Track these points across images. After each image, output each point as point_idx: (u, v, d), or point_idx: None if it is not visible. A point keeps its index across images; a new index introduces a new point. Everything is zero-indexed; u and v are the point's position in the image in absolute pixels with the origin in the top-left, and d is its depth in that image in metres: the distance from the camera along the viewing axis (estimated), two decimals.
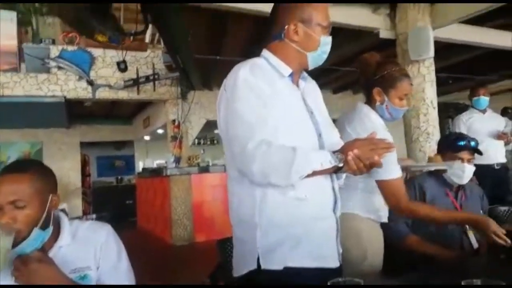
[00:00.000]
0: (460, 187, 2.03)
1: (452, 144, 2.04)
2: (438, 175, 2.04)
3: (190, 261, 4.88)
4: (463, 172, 1.95)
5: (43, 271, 1.11)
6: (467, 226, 1.89)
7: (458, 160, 1.96)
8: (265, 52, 1.32)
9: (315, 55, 1.29)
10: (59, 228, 1.25)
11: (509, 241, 1.44)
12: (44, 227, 1.17)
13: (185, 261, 4.93)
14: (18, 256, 1.10)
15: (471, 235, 1.86)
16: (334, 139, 1.33)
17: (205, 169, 6.32)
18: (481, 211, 2.05)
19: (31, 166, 1.22)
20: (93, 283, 1.24)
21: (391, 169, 1.57)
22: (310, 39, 1.27)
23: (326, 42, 1.29)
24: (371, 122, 1.69)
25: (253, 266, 1.17)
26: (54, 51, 6.03)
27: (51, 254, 1.19)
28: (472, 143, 1.99)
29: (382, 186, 1.62)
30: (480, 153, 2.01)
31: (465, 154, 1.96)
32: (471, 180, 3.62)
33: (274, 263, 1.16)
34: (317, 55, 1.29)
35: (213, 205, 5.94)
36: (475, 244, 1.84)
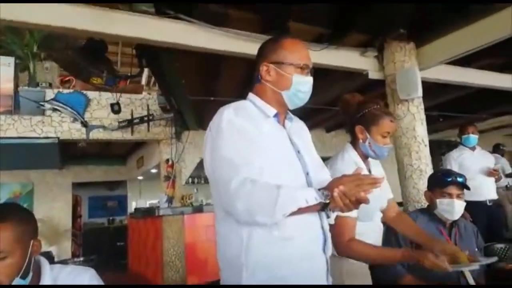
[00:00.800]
0: (454, 224, 2.04)
1: (440, 181, 2.07)
2: (430, 212, 2.04)
3: None
4: (452, 207, 1.97)
5: None
6: None
7: (447, 196, 1.98)
8: (250, 95, 1.38)
9: (289, 93, 1.32)
10: (39, 273, 1.21)
11: (449, 267, 1.40)
12: (24, 275, 1.14)
13: None
14: None
15: (468, 274, 1.83)
16: (323, 178, 1.32)
17: (198, 209, 6.23)
18: (476, 249, 2.04)
19: (10, 213, 1.17)
20: None
21: None
22: (283, 78, 1.31)
23: (300, 81, 1.32)
24: (342, 160, 1.74)
25: None
26: (50, 94, 6.12)
27: None
28: (460, 179, 2.01)
29: (336, 221, 1.61)
30: (467, 188, 2.02)
31: (453, 190, 1.99)
32: (464, 217, 3.62)
33: None
34: (292, 94, 1.32)
35: (206, 245, 5.81)
36: (472, 282, 1.82)
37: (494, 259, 1.31)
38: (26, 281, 1.14)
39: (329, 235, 1.28)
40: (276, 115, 1.34)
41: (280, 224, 1.14)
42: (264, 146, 1.21)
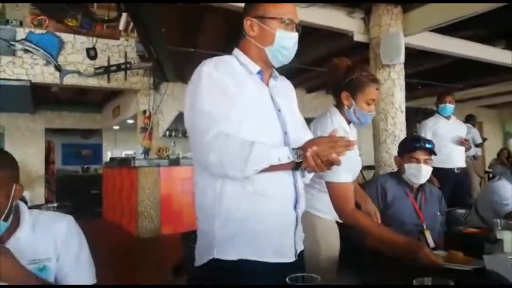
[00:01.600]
0: (420, 188, 2.11)
1: (408, 146, 2.12)
2: (399, 176, 2.12)
3: (156, 253, 4.83)
4: (419, 172, 2.02)
5: (1, 263, 1.07)
6: (424, 226, 1.97)
7: (414, 161, 2.03)
8: (235, 51, 1.35)
9: (273, 49, 1.29)
10: (18, 217, 1.22)
11: (442, 262, 1.45)
12: (6, 218, 1.15)
13: (150, 254, 4.88)
14: None
15: (428, 234, 1.94)
16: (303, 138, 1.29)
17: (175, 162, 6.24)
18: (438, 213, 2.13)
19: None
20: (53, 274, 1.22)
21: (340, 173, 1.60)
22: (265, 33, 1.28)
23: (283, 36, 1.28)
24: (331, 123, 1.74)
25: (210, 256, 1.19)
26: (21, 33, 5.78)
27: (8, 245, 1.15)
28: (428, 145, 2.06)
29: (331, 188, 1.66)
30: (435, 153, 2.07)
31: (421, 155, 2.03)
32: (432, 182, 3.75)
33: (229, 254, 1.18)
34: (275, 50, 1.29)
35: (182, 198, 5.89)
36: (432, 243, 1.90)
37: (482, 264, 1.34)
38: (7, 224, 1.15)
39: (301, 193, 1.31)
40: (259, 72, 1.32)
41: (253, 179, 1.16)
42: (243, 102, 1.20)
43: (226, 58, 1.30)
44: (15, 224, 1.20)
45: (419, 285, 0.87)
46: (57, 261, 1.23)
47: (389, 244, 1.60)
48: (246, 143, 1.11)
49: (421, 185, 2.11)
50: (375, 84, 1.77)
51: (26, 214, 1.24)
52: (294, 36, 1.30)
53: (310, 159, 1.11)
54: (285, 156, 1.13)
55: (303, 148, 1.14)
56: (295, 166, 1.17)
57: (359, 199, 1.92)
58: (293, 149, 1.15)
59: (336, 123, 1.75)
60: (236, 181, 1.16)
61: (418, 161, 2.03)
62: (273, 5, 1.28)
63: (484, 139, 6.22)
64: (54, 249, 1.23)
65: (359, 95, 1.75)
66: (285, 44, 1.29)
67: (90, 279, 1.29)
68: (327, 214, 1.78)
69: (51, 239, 1.23)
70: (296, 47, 1.33)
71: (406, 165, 2.06)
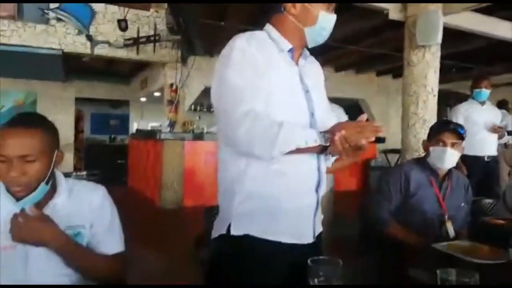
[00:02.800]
0: (447, 176, 2.03)
1: (436, 128, 2.07)
2: (424, 162, 2.05)
3: (178, 224, 4.96)
4: (444, 154, 1.94)
5: (42, 229, 1.13)
6: (446, 217, 1.92)
7: (441, 144, 1.96)
8: (267, 26, 1.31)
9: (313, 30, 1.27)
10: (55, 184, 1.26)
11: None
12: (48, 182, 1.19)
13: (173, 224, 5.01)
14: (15, 214, 1.11)
15: (449, 225, 1.89)
16: (328, 122, 1.29)
17: (199, 136, 6.31)
18: (463, 204, 2.06)
19: (40, 121, 1.23)
20: (85, 240, 1.27)
21: None
22: (308, 13, 1.25)
23: (325, 19, 1.26)
24: None
25: (223, 231, 1.21)
26: (55, 2, 5.85)
27: (47, 210, 1.20)
28: (457, 128, 1.98)
29: None
30: (463, 138, 1.98)
31: (448, 137, 1.95)
32: (459, 169, 3.63)
33: (244, 230, 1.19)
34: (315, 31, 1.27)
35: (205, 172, 5.98)
36: (452, 233, 1.87)
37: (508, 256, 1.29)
38: (47, 187, 1.20)
39: (324, 176, 1.30)
40: (290, 50, 1.28)
41: (279, 160, 1.15)
42: (273, 80, 1.18)
43: (258, 33, 1.27)
44: (52, 191, 1.24)
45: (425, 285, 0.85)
46: (91, 228, 1.27)
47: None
48: (275, 124, 1.10)
49: (448, 173, 2.03)
50: None
51: (62, 181, 1.28)
52: (333, 18, 1.28)
53: (338, 143, 1.10)
54: (313, 139, 1.12)
55: (331, 131, 1.13)
56: (322, 150, 1.17)
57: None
58: (320, 132, 1.14)
59: None
60: (261, 160, 1.16)
61: (444, 143, 1.94)
62: None
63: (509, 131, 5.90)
64: (89, 217, 1.27)
65: None
66: (326, 26, 1.28)
67: (120, 247, 1.33)
68: None
69: (86, 207, 1.28)
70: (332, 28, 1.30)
71: (431, 148, 1.99)
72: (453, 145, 1.95)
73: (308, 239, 1.28)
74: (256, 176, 1.19)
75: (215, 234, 1.27)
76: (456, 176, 2.09)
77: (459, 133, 1.97)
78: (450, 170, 2.04)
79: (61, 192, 1.25)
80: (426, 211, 1.94)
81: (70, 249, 1.18)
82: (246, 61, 1.17)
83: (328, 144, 1.13)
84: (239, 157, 1.19)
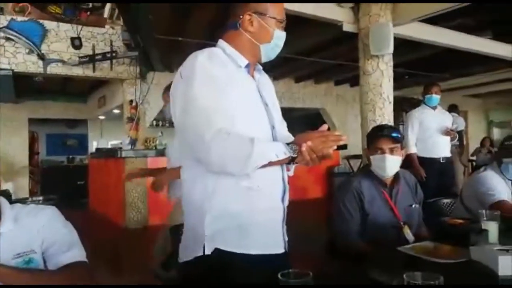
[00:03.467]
0: (394, 181, 2.01)
1: (372, 135, 2.02)
2: (372, 174, 2.01)
3: (144, 244, 4.80)
4: (384, 163, 1.91)
5: None
6: (402, 222, 1.91)
7: (379, 151, 1.93)
8: (221, 42, 1.32)
9: (268, 47, 1.31)
10: None
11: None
12: None
13: (138, 244, 4.85)
14: None
15: (407, 230, 1.87)
16: (285, 133, 1.38)
17: (162, 152, 6.18)
18: (413, 204, 2.06)
19: None
20: (40, 265, 1.21)
21: None
22: (264, 31, 1.29)
23: (279, 36, 1.31)
24: None
25: (199, 253, 1.19)
26: (2, 21, 5.59)
27: None
28: (392, 133, 1.95)
29: None
30: (399, 141, 1.95)
31: (384, 144, 1.92)
32: (418, 171, 3.69)
33: (219, 250, 1.18)
34: (270, 48, 1.32)
35: None
36: (411, 239, 1.85)
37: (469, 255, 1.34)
38: None
39: (287, 186, 1.34)
40: (247, 66, 1.31)
41: (248, 175, 1.17)
42: (236, 96, 1.20)
43: (215, 50, 1.27)
44: None
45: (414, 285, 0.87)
46: (45, 251, 1.22)
47: None
48: (246, 140, 1.12)
49: (395, 180, 2.00)
50: None
51: (7, 209, 1.22)
52: (284, 35, 1.33)
53: (305, 154, 1.13)
54: (282, 152, 1.15)
55: (297, 143, 1.16)
56: (289, 161, 1.19)
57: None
58: (287, 144, 1.17)
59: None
60: (230, 177, 1.17)
61: (382, 151, 1.91)
62: (272, 4, 1.29)
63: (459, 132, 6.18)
64: (38, 240, 1.22)
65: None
66: (279, 43, 1.33)
67: (79, 256, 1.27)
68: None
69: (35, 230, 1.22)
70: None
71: (372, 157, 1.96)
72: (391, 150, 1.92)
73: (280, 249, 1.30)
74: (226, 194, 1.19)
75: (185, 256, 1.24)
76: (403, 178, 2.06)
77: (394, 137, 1.94)
78: (397, 174, 2.01)
79: (6, 220, 1.19)
80: (383, 223, 1.92)
81: (18, 279, 1.10)
82: (210, 81, 1.17)
83: (296, 156, 1.16)
84: (206, 176, 1.19)
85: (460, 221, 1.90)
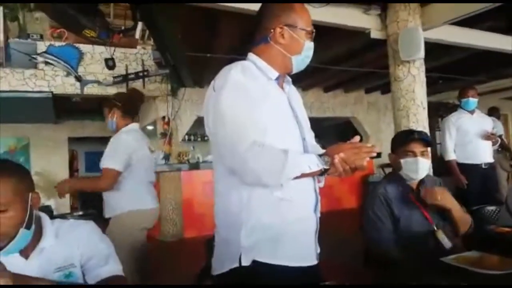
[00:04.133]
0: (420, 185, 1.98)
1: (402, 139, 2.01)
2: (396, 177, 2.00)
3: (180, 257, 4.86)
4: (416, 165, 1.91)
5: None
6: (434, 227, 1.85)
7: (411, 155, 1.92)
8: (251, 56, 1.34)
9: (299, 59, 1.33)
10: (40, 228, 1.25)
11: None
12: (28, 226, 1.17)
13: (174, 258, 4.91)
14: None
15: (441, 235, 1.82)
16: (313, 142, 1.40)
17: (195, 166, 6.28)
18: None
19: (5, 168, 1.20)
20: (80, 278, 1.25)
21: None
22: (295, 43, 1.31)
23: (309, 47, 1.34)
24: None
25: (235, 264, 1.19)
26: (42, 46, 5.92)
27: (34, 254, 1.20)
28: (423, 137, 1.95)
29: None
30: (429, 145, 1.96)
31: (416, 147, 1.92)
32: (459, 179, 3.57)
33: (255, 261, 1.19)
34: (301, 59, 1.34)
35: (204, 201, 5.92)
36: (447, 244, 1.80)
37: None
38: (31, 232, 1.18)
39: (319, 197, 1.34)
40: (277, 78, 1.33)
41: (281, 186, 1.17)
42: (268, 109, 1.21)
43: (247, 63, 1.29)
44: (38, 235, 1.23)
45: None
46: (83, 265, 1.26)
47: None
48: (280, 152, 1.14)
49: (421, 183, 1.97)
50: None
51: (48, 224, 1.27)
52: (313, 46, 1.36)
53: (338, 166, 1.15)
54: (315, 163, 1.17)
55: (329, 154, 1.18)
56: (322, 173, 1.20)
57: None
58: (320, 156, 1.18)
59: None
60: (264, 188, 1.18)
61: (414, 154, 1.91)
62: (300, 16, 1.31)
63: (500, 136, 5.89)
64: (78, 254, 1.26)
65: None
66: (309, 54, 1.35)
67: (116, 271, 1.30)
68: None
69: (75, 245, 1.26)
70: None
71: (402, 160, 1.94)
72: (422, 153, 1.93)
73: (312, 260, 1.30)
74: (261, 205, 1.20)
75: (220, 269, 1.25)
76: (428, 182, 2.03)
77: (425, 140, 1.96)
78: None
79: (47, 235, 1.24)
80: (415, 228, 1.87)
81: (36, 285, 1.12)
82: (243, 94, 1.19)
83: (328, 167, 1.17)
84: (241, 188, 1.20)
85: (508, 229, 1.80)
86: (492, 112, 6.21)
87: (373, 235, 1.91)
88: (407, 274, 1.42)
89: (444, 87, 7.94)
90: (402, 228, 1.88)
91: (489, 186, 3.84)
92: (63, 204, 8.62)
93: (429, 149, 1.97)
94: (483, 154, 3.90)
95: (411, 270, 1.48)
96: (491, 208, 2.60)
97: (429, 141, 1.98)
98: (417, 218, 1.90)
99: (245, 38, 1.37)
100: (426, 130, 3.97)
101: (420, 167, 1.92)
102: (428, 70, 4.17)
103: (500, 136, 5.30)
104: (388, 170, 7.80)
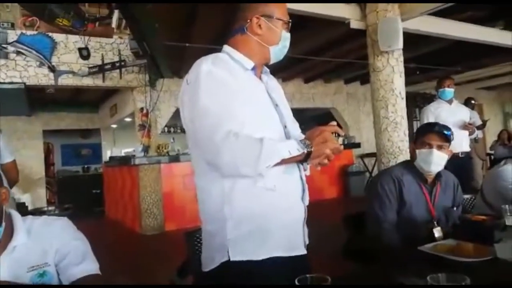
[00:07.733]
0: (436, 180, 1.98)
1: (422, 129, 2.04)
2: (413, 166, 2.00)
3: (160, 250, 4.82)
4: (430, 157, 1.89)
5: None
6: (435, 222, 1.86)
7: (427, 146, 1.92)
8: (226, 47, 1.33)
9: (276, 49, 1.33)
10: (11, 226, 1.19)
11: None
12: None
13: (155, 251, 4.86)
14: None
15: (438, 229, 1.81)
16: (297, 132, 1.38)
17: (175, 158, 6.20)
18: (452, 206, 2.02)
19: None
20: (54, 279, 1.20)
21: None
22: (273, 33, 1.31)
23: (286, 37, 1.34)
24: None
25: (224, 259, 1.18)
26: (13, 35, 5.69)
27: (4, 254, 1.14)
28: (443, 130, 1.93)
29: None
30: (449, 141, 1.94)
31: (433, 139, 1.91)
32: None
33: (244, 254, 1.18)
34: (278, 49, 1.34)
35: (184, 194, 5.87)
36: (441, 237, 1.78)
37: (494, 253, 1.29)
38: (0, 230, 1.13)
39: (306, 185, 1.33)
40: (253, 68, 1.31)
41: (264, 175, 1.15)
42: (244, 99, 1.19)
43: (220, 55, 1.28)
44: (9, 232, 1.17)
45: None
46: (58, 263, 1.21)
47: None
48: (256, 140, 1.12)
49: (437, 177, 1.97)
50: None
51: (19, 222, 1.21)
52: (289, 36, 1.36)
53: (322, 147, 1.15)
54: (295, 148, 1.14)
55: (309, 138, 1.17)
56: (304, 158, 1.18)
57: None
58: (300, 140, 1.17)
59: None
60: (246, 179, 1.16)
61: (430, 146, 1.90)
62: (277, 6, 1.31)
63: (484, 121, 6.14)
64: (51, 252, 1.21)
65: None
66: (286, 44, 1.35)
67: (92, 270, 1.25)
68: None
69: (47, 242, 1.21)
70: None
71: (418, 151, 1.95)
72: (439, 147, 1.90)
73: (301, 250, 1.29)
74: (244, 197, 1.19)
75: (211, 264, 1.22)
76: (445, 178, 2.03)
77: (445, 135, 1.92)
78: (439, 173, 1.98)
79: (19, 232, 1.19)
80: (416, 218, 1.90)
81: (33, 285, 1.11)
82: (216, 83, 1.17)
83: (311, 150, 1.15)
84: (221, 180, 1.19)
85: (483, 217, 1.83)
86: (468, 102, 6.36)
87: (378, 211, 1.92)
88: (392, 263, 1.43)
89: (421, 77, 8.07)
90: (405, 214, 1.91)
91: (464, 175, 3.92)
92: (39, 198, 8.43)
93: (448, 144, 1.93)
94: (460, 143, 3.98)
95: (396, 260, 1.49)
96: (467, 196, 2.64)
97: (449, 135, 1.93)
98: (422, 208, 1.93)
99: (223, 28, 1.35)
100: (404, 120, 4.04)
101: (434, 160, 1.89)
102: (405, 61, 4.21)
103: (480, 126, 5.43)
104: (368, 160, 7.92)
